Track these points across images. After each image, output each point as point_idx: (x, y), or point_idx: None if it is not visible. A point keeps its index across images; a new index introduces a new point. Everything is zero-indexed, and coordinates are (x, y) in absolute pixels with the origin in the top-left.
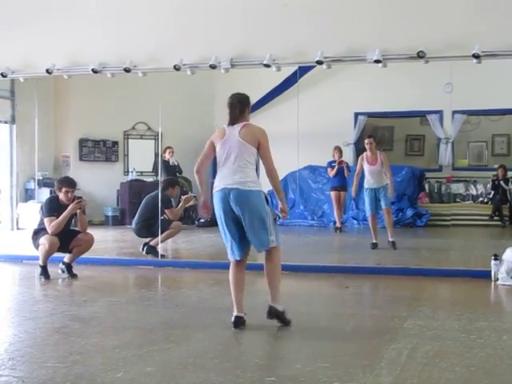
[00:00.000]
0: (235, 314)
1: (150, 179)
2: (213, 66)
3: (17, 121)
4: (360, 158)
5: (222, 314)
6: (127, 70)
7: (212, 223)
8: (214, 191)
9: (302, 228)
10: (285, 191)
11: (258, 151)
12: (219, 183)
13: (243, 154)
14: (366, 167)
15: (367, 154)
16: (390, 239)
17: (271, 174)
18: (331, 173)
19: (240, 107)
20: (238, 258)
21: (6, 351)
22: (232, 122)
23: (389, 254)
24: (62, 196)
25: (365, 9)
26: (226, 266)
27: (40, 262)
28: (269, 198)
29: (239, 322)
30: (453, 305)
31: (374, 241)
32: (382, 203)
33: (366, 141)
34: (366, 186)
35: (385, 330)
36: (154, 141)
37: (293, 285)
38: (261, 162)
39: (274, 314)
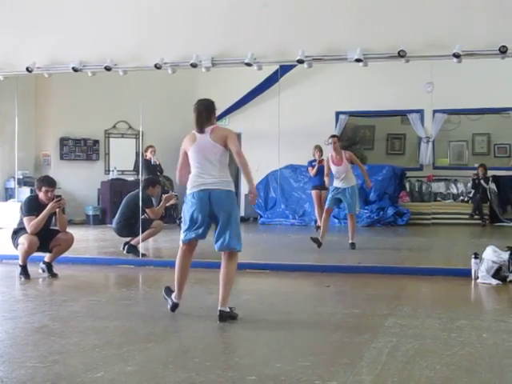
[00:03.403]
0: (174, 300)
1: (131, 178)
2: (194, 65)
3: None
4: (326, 160)
5: (202, 313)
6: (108, 69)
7: None
8: (189, 191)
9: (283, 227)
10: (266, 190)
11: (225, 148)
12: (198, 184)
13: (218, 156)
14: (332, 167)
15: (332, 154)
16: (350, 241)
17: (239, 156)
18: (312, 172)
19: (206, 114)
20: (188, 238)
21: None
22: (200, 129)
23: (369, 253)
24: (41, 195)
25: (346, 8)
26: (206, 265)
27: (20, 261)
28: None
29: (175, 308)
30: (433, 303)
31: (319, 238)
32: (347, 209)
33: (330, 140)
34: (333, 184)
35: (365, 329)
36: (134, 139)
37: (274, 284)
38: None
39: (225, 317)
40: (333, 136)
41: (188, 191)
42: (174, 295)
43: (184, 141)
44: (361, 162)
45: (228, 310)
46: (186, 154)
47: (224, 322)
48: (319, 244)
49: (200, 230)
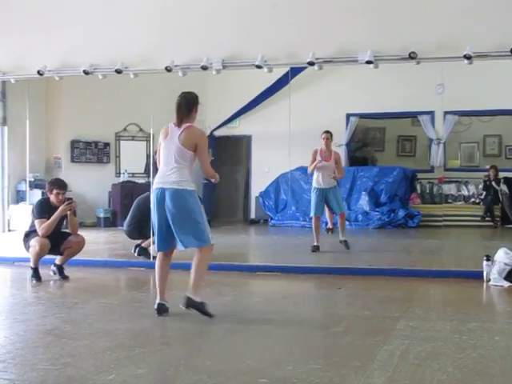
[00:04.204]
0: (158, 301)
1: (141, 180)
2: (204, 67)
3: (8, 122)
4: (313, 152)
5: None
6: (119, 72)
7: None
8: (152, 188)
9: (293, 229)
10: (276, 192)
11: (195, 153)
12: (157, 181)
13: (179, 157)
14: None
15: (322, 148)
16: (342, 238)
17: (206, 172)
18: None
19: (186, 109)
20: (161, 250)
21: None
22: (178, 123)
23: (380, 256)
24: (52, 198)
25: (356, 10)
26: (217, 268)
27: (31, 264)
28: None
29: (161, 309)
30: (445, 306)
31: (316, 243)
32: (336, 209)
33: (323, 135)
34: (314, 184)
35: (377, 331)
36: (145, 142)
37: (284, 286)
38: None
39: (190, 304)
40: (326, 132)
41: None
42: (157, 298)
43: (161, 132)
44: (343, 170)
45: (197, 299)
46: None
47: (189, 309)
48: (316, 248)
49: (161, 243)
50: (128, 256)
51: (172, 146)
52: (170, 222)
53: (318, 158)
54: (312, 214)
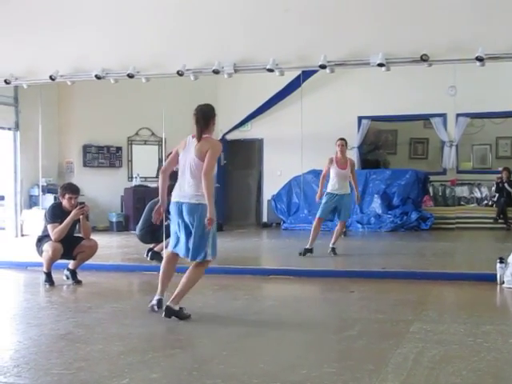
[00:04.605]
0: (156, 296)
1: (153, 185)
2: (216, 71)
3: (21, 127)
4: (329, 160)
5: (226, 319)
6: (130, 76)
7: (216, 228)
8: (171, 200)
9: (306, 232)
10: (289, 195)
11: None
12: (175, 194)
13: (195, 169)
14: (334, 170)
15: (337, 156)
16: (331, 245)
17: (205, 175)
18: None
19: (203, 123)
20: (172, 249)
21: (11, 358)
22: (197, 136)
23: (393, 258)
24: (65, 202)
25: (368, 12)
26: (231, 272)
27: (44, 268)
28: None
29: (160, 304)
30: (458, 308)
31: (308, 246)
32: (342, 216)
33: (338, 142)
34: (329, 189)
35: (391, 335)
36: (157, 146)
37: (298, 290)
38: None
39: (170, 313)
40: (341, 139)
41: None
42: (157, 294)
43: (180, 143)
44: (355, 176)
45: (176, 308)
46: (176, 156)
47: (169, 318)
48: (309, 251)
49: (174, 244)
50: (141, 260)
51: (188, 158)
52: (183, 231)
53: (334, 165)
54: (316, 216)
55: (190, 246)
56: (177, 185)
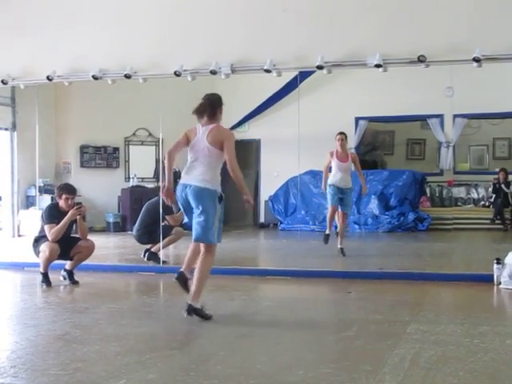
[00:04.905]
0: (181, 269)
1: (151, 185)
2: (213, 72)
3: (18, 128)
4: (329, 154)
5: (223, 319)
6: (128, 77)
7: None
8: (180, 182)
9: (303, 233)
10: (286, 196)
11: (221, 151)
12: (183, 177)
13: (208, 156)
14: (335, 163)
15: (337, 150)
16: (339, 246)
17: (231, 165)
18: None
19: (210, 110)
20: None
21: (7, 359)
22: (203, 123)
23: (391, 259)
24: (62, 203)
25: (365, 13)
26: (226, 272)
27: (41, 269)
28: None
29: (181, 277)
30: (455, 309)
31: (328, 232)
32: (343, 205)
33: (338, 137)
34: (330, 181)
35: (388, 335)
36: (154, 147)
37: (295, 290)
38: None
39: (192, 311)
40: (340, 133)
41: None
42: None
43: (190, 129)
44: (360, 169)
45: (198, 306)
46: (184, 138)
47: (191, 316)
48: (327, 237)
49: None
50: (138, 261)
51: (200, 146)
52: (194, 215)
53: (335, 158)
54: (329, 205)
55: (199, 227)
56: (185, 169)
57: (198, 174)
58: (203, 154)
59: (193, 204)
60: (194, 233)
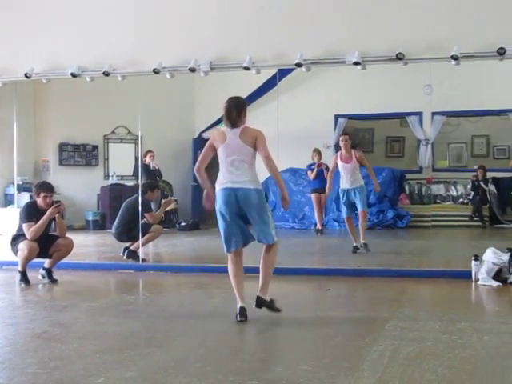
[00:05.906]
0: (239, 304)
1: (130, 183)
2: (192, 69)
3: None
4: (334, 157)
5: (203, 317)
6: (106, 74)
7: (193, 227)
8: (217, 189)
9: (283, 230)
10: (265, 194)
11: (255, 150)
12: (224, 182)
13: (244, 156)
14: (340, 165)
15: (342, 152)
16: (362, 241)
17: (267, 160)
18: (311, 175)
19: (237, 111)
20: (231, 250)
21: None
22: (231, 126)
23: (369, 256)
24: (40, 201)
25: (343, 11)
26: (206, 270)
27: (19, 267)
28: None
29: (243, 313)
30: (434, 306)
31: (355, 244)
32: (358, 206)
33: (341, 138)
34: (340, 187)
35: (366, 332)
36: (134, 145)
37: (274, 288)
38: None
39: (261, 303)
40: (344, 134)
41: (217, 189)
42: (238, 301)
43: (213, 136)
44: (370, 166)
45: (267, 298)
46: (211, 148)
47: (260, 309)
48: (356, 248)
49: (232, 242)
50: (117, 259)
51: (235, 147)
52: (251, 219)
53: (339, 160)
54: (344, 216)
55: (258, 230)
56: (224, 173)
57: (243, 176)
58: (241, 154)
59: (245, 208)
60: (258, 236)
